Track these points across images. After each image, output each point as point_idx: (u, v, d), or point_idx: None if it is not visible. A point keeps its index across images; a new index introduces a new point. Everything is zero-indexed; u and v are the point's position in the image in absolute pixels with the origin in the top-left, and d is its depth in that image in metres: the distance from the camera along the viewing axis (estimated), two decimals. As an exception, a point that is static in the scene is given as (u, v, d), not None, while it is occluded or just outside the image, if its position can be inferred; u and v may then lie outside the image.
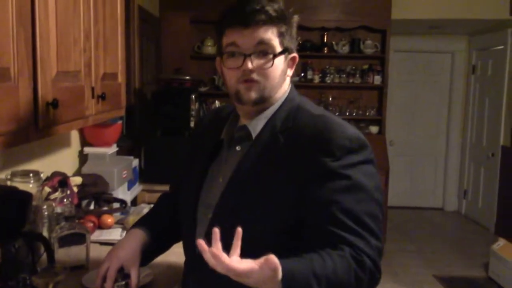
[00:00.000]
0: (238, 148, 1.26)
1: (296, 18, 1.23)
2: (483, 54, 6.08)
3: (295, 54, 1.25)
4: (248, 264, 0.94)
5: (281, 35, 1.18)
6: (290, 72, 1.26)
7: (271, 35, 1.17)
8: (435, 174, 6.66)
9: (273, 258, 0.93)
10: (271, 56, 1.17)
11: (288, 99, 1.26)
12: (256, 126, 1.24)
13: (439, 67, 6.49)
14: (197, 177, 1.31)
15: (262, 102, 1.21)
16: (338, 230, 1.09)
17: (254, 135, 1.23)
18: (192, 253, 1.28)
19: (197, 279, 1.27)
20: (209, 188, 1.28)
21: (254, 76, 1.17)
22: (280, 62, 1.20)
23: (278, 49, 1.18)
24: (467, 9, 5.17)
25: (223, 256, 0.93)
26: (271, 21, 1.16)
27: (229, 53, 1.18)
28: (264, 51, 1.17)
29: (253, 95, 1.19)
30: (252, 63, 1.16)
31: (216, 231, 0.96)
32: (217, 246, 0.94)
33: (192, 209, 1.29)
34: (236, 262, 0.94)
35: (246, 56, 1.16)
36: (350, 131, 1.17)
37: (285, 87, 1.26)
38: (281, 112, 1.23)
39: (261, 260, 0.94)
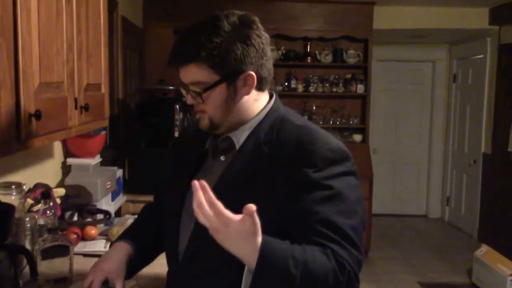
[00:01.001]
0: (222, 158, 1.27)
1: (249, 35, 1.18)
2: (463, 63, 6.18)
3: (248, 72, 1.18)
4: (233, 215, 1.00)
5: (215, 67, 1.16)
6: (247, 91, 1.21)
7: (199, 73, 1.17)
8: (418, 182, 6.73)
9: (251, 206, 0.98)
10: (201, 92, 1.18)
11: (271, 111, 1.26)
12: (240, 137, 1.24)
13: (420, 76, 6.59)
14: (181, 187, 1.31)
15: (216, 128, 1.24)
16: (320, 239, 1.09)
17: (237, 146, 1.24)
18: (175, 262, 1.28)
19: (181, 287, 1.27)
20: (192, 199, 1.28)
21: (200, 107, 1.22)
22: (217, 92, 1.19)
23: (212, 80, 1.17)
24: (448, 19, 5.27)
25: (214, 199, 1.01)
26: (195, 60, 1.16)
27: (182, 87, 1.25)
28: (196, 88, 1.19)
29: (205, 123, 1.24)
30: (191, 98, 1.22)
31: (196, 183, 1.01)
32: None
33: (175, 219, 1.29)
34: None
35: (187, 92, 1.22)
36: (333, 142, 1.18)
37: (257, 102, 1.25)
38: (265, 124, 1.24)
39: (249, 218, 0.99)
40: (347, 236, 1.10)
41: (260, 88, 1.24)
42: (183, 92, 1.25)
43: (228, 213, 1.00)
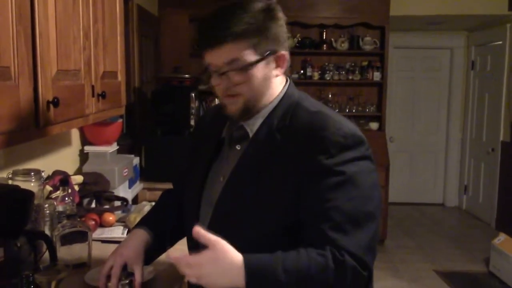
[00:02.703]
0: (238, 147, 1.26)
1: (277, 17, 1.19)
2: (482, 50, 6.08)
3: (282, 52, 1.20)
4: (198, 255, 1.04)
5: (253, 45, 1.15)
6: (279, 71, 1.22)
7: (240, 51, 1.15)
8: (435, 170, 6.67)
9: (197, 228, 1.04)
10: (242, 70, 1.16)
11: (286, 96, 1.25)
12: (253, 125, 1.24)
13: (438, 63, 6.49)
14: (200, 175, 1.31)
15: (247, 113, 1.23)
16: (326, 228, 1.08)
17: (251, 134, 1.24)
18: (195, 249, 1.29)
19: None
20: (211, 186, 1.29)
21: (235, 90, 1.19)
22: (257, 71, 1.17)
23: (251, 59, 1.16)
24: (466, 5, 5.17)
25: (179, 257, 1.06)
26: (236, 37, 1.14)
27: (208, 73, 1.21)
28: (234, 67, 1.16)
29: (237, 107, 1.21)
30: (226, 80, 1.18)
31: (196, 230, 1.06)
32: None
33: (195, 207, 1.30)
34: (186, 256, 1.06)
35: (220, 75, 1.18)
36: (346, 127, 1.16)
37: (277, 87, 1.25)
38: (278, 110, 1.23)
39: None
40: (357, 223, 1.09)
41: (284, 72, 1.25)
42: (209, 78, 1.22)
43: (193, 257, 1.05)
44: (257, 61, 1.16)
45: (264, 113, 1.24)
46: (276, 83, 1.24)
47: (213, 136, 1.34)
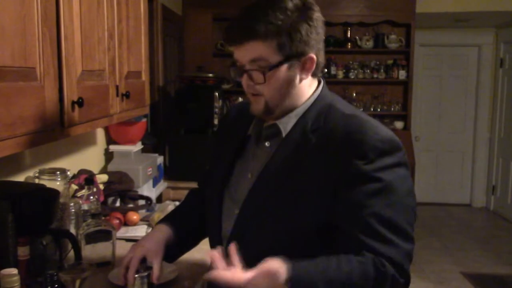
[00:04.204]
0: (267, 144, 1.24)
1: (311, 17, 1.15)
2: (511, 47, 5.94)
3: (310, 55, 1.16)
4: (249, 273, 1.03)
5: (278, 46, 1.12)
6: (305, 74, 1.19)
7: (264, 50, 1.12)
8: (462, 170, 6.55)
9: (269, 265, 1.02)
10: (264, 71, 1.14)
11: (319, 98, 1.23)
12: (287, 124, 1.22)
13: (465, 61, 6.37)
14: (224, 172, 1.30)
15: (270, 113, 1.21)
16: (364, 236, 1.08)
17: (284, 133, 1.21)
18: (217, 247, 1.28)
19: None
20: (236, 184, 1.28)
21: (256, 89, 1.18)
22: (279, 72, 1.15)
23: (274, 60, 1.13)
24: (494, 1, 5.05)
25: (226, 274, 1.04)
26: (263, 36, 1.11)
27: (234, 68, 1.20)
28: (257, 66, 1.14)
29: (259, 107, 1.20)
30: (248, 78, 1.17)
31: (232, 248, 1.07)
32: (223, 265, 1.06)
33: (218, 205, 1.29)
34: (239, 273, 1.04)
35: (244, 72, 1.17)
36: (383, 132, 1.14)
37: (305, 89, 1.22)
38: (312, 111, 1.21)
39: (262, 267, 1.03)
40: (396, 230, 1.09)
41: (314, 74, 1.21)
42: (237, 73, 1.20)
43: (248, 276, 1.04)
44: (280, 63, 1.14)
45: (298, 112, 1.21)
46: (304, 85, 1.21)
47: (238, 133, 1.33)
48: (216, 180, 1.33)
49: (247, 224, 1.20)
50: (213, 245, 1.33)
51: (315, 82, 1.25)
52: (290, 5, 1.13)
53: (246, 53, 1.15)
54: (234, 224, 1.24)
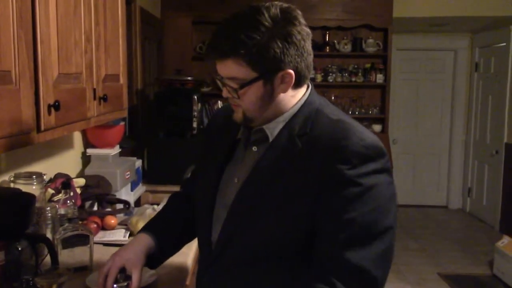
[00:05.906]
0: (254, 149, 1.25)
1: (289, 33, 1.13)
2: (485, 52, 6.06)
3: (287, 71, 1.14)
4: None
5: (251, 64, 1.12)
6: (285, 87, 1.17)
7: (235, 68, 1.13)
8: (439, 172, 6.65)
9: None
10: (236, 89, 1.16)
11: (306, 103, 1.23)
12: (274, 129, 1.22)
13: (441, 65, 6.48)
14: (213, 176, 1.30)
15: (250, 122, 1.22)
16: (339, 240, 1.09)
17: (271, 138, 1.22)
18: (207, 251, 1.28)
19: (212, 277, 1.27)
20: (225, 188, 1.28)
21: (235, 101, 1.20)
22: (254, 89, 1.16)
23: (248, 77, 1.14)
24: (470, 6, 5.16)
25: None
26: (232, 55, 1.12)
27: (218, 78, 1.22)
28: (232, 83, 1.16)
29: (239, 115, 1.22)
30: (226, 91, 1.20)
31: None
32: None
33: (209, 209, 1.29)
34: None
35: (222, 85, 1.20)
36: (368, 138, 1.15)
37: (288, 99, 1.21)
38: (299, 116, 1.21)
39: None
40: (373, 236, 1.10)
41: (298, 85, 1.20)
42: (219, 84, 1.22)
43: None
44: (253, 80, 1.14)
45: (285, 117, 1.22)
46: (287, 96, 1.20)
47: (227, 136, 1.33)
48: (206, 183, 1.32)
49: (234, 228, 1.20)
50: (202, 248, 1.33)
51: (302, 89, 1.24)
52: (266, 19, 1.11)
53: (222, 69, 1.16)
54: (221, 228, 1.24)
